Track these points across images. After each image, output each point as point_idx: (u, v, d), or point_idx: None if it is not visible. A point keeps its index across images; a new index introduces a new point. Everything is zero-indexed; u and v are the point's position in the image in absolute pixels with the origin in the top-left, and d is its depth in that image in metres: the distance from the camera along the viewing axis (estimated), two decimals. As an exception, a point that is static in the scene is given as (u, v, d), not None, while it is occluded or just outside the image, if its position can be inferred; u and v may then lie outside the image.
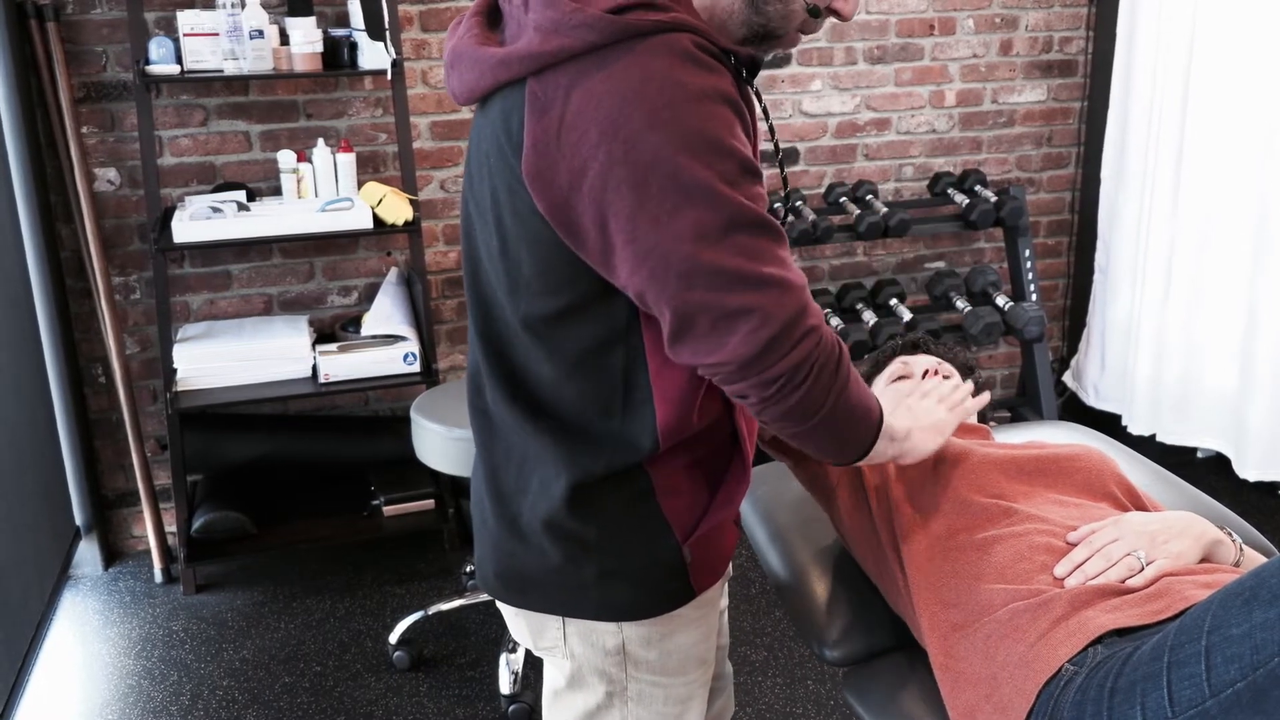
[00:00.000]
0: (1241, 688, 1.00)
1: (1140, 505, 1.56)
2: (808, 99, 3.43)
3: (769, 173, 3.46)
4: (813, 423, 1.14)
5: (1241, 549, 1.43)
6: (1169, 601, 1.23)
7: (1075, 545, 1.37)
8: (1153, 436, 3.36)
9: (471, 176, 1.21)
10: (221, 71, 2.76)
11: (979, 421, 1.86)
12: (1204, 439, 3.28)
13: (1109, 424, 3.48)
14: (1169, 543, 1.35)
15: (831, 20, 1.19)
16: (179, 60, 2.74)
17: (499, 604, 1.36)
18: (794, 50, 3.31)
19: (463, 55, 1.15)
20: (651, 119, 1.02)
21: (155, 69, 2.72)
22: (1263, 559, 1.43)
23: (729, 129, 1.06)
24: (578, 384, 1.18)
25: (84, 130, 2.92)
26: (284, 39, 2.82)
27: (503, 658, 2.50)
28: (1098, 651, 1.18)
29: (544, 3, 1.07)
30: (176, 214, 2.81)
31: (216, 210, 2.78)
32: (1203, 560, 1.37)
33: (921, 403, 1.45)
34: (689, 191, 1.03)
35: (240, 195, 2.94)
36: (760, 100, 1.19)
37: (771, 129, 1.25)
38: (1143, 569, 1.31)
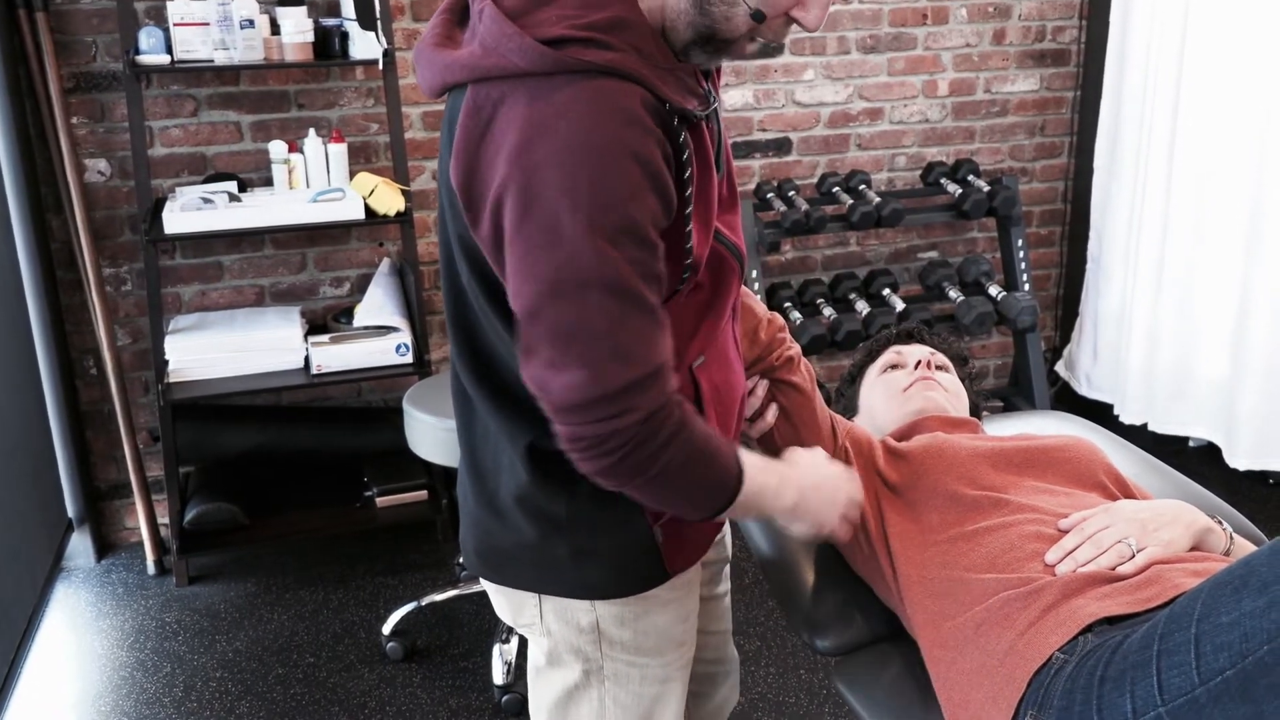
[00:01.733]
0: (1230, 676, 1.00)
1: (1130, 495, 1.56)
2: (800, 88, 3.43)
3: (743, 164, 3.46)
4: (628, 486, 1.15)
5: (1232, 537, 1.43)
6: (1159, 589, 1.23)
7: (1066, 533, 1.37)
8: (1144, 426, 3.37)
9: (442, 165, 1.23)
10: (212, 61, 2.75)
11: (971, 414, 1.87)
12: (1195, 428, 3.29)
13: (1101, 413, 3.49)
14: (1159, 530, 1.35)
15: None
16: (169, 50, 2.73)
17: (481, 581, 1.39)
18: (786, 40, 3.30)
19: (421, 54, 1.19)
20: (554, 158, 1.04)
21: (145, 59, 2.71)
22: (1253, 547, 1.44)
23: (633, 192, 1.05)
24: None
25: (74, 121, 2.91)
26: (275, 28, 2.80)
27: (496, 648, 2.50)
28: (1088, 640, 1.18)
29: (492, 18, 1.09)
30: (167, 205, 2.80)
31: (208, 201, 2.77)
32: (1193, 548, 1.38)
33: (820, 495, 1.38)
34: (561, 238, 1.04)
35: (231, 186, 2.93)
36: (705, 138, 1.17)
37: (719, 158, 1.22)
38: (1133, 556, 1.31)
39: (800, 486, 1.33)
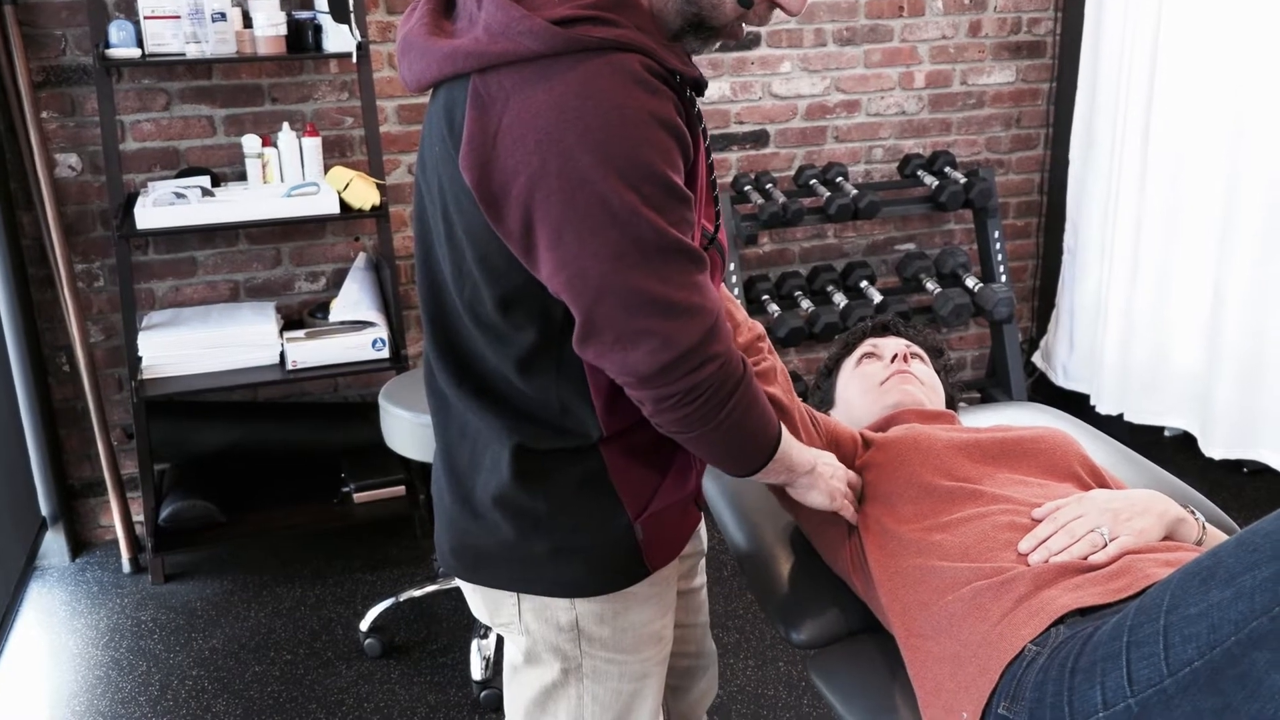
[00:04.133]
0: (1199, 667, 1.00)
1: (1104, 485, 1.57)
2: (777, 81, 3.42)
3: (720, 157, 3.46)
4: (695, 434, 1.19)
5: (1204, 527, 1.44)
6: (1131, 580, 1.23)
7: (1040, 522, 1.37)
8: (1120, 416, 3.39)
9: (424, 163, 1.23)
10: (183, 55, 2.72)
11: (947, 405, 1.87)
12: (1171, 418, 3.30)
13: (1078, 404, 3.51)
14: (1132, 520, 1.36)
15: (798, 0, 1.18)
16: (140, 43, 2.70)
17: (458, 581, 1.38)
18: (763, 31, 3.30)
19: (413, 44, 1.16)
20: (586, 138, 1.04)
21: (115, 52, 2.68)
22: (1225, 537, 1.44)
23: (663, 154, 1.07)
24: (519, 375, 1.20)
25: (44, 115, 2.88)
26: (247, 21, 2.78)
27: (474, 644, 2.50)
28: (1060, 631, 1.18)
29: (496, 4, 1.08)
30: (140, 200, 2.77)
31: (180, 196, 2.74)
32: (1166, 538, 1.38)
33: (829, 465, 1.47)
34: (613, 213, 1.05)
35: (205, 180, 2.91)
36: (701, 120, 1.20)
37: (707, 138, 1.24)
38: (1106, 545, 1.31)
39: (815, 452, 1.42)
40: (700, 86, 1.16)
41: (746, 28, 1.19)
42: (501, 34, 1.06)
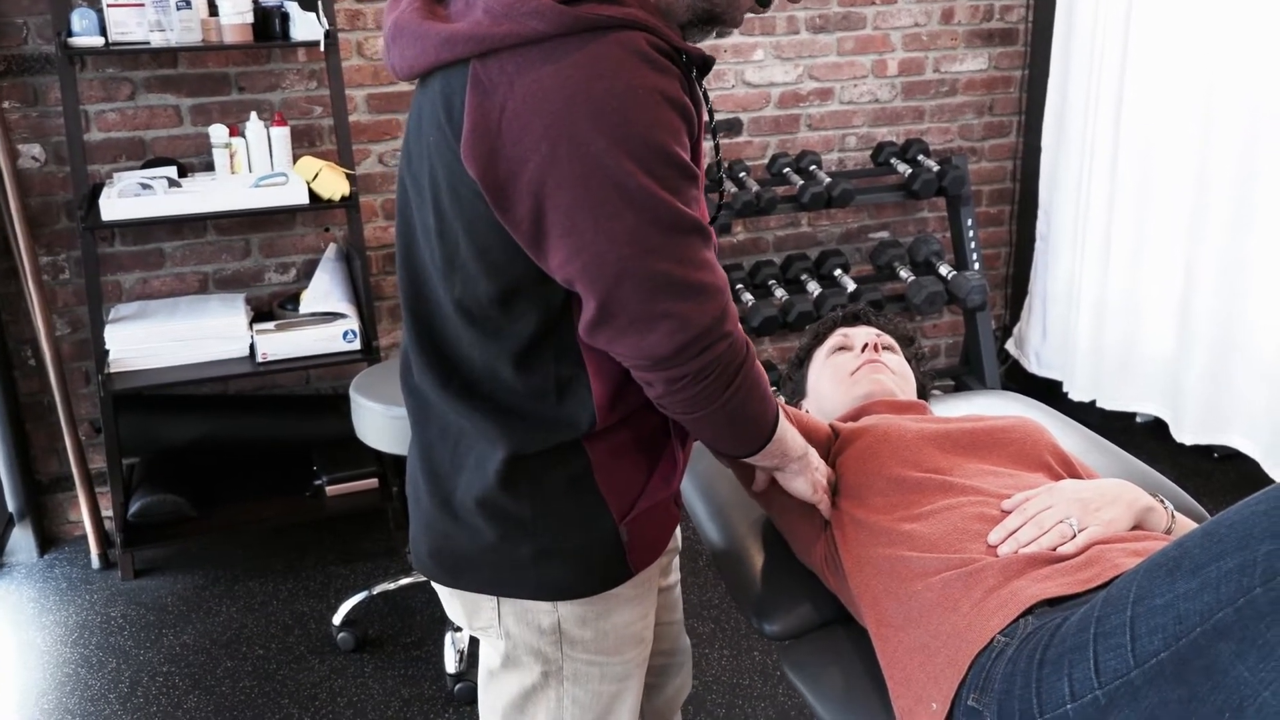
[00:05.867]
0: (1165, 658, 1.00)
1: (1075, 474, 1.57)
2: (750, 69, 3.41)
3: (706, 145, 3.44)
4: (701, 413, 1.19)
5: (1173, 516, 1.44)
6: (1099, 570, 1.23)
7: (1009, 513, 1.37)
8: (1093, 402, 3.40)
9: (410, 154, 1.19)
10: (148, 43, 2.68)
11: (919, 395, 1.87)
12: (1142, 404, 3.32)
13: (1051, 391, 3.52)
14: (1101, 510, 1.36)
15: None
16: (103, 32, 2.66)
17: (434, 584, 1.35)
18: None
19: (405, 29, 1.12)
20: (598, 121, 1.02)
21: (78, 41, 2.63)
22: (1194, 525, 1.45)
23: (674, 134, 1.06)
24: (513, 368, 1.17)
25: (5, 105, 2.83)
26: (213, 9, 2.74)
27: (448, 637, 2.49)
28: (1028, 622, 1.18)
29: None
30: (105, 191, 2.73)
31: (146, 187, 2.71)
32: (1135, 527, 1.38)
33: (815, 454, 1.50)
34: (630, 196, 1.04)
35: (171, 171, 2.87)
36: (707, 99, 1.19)
37: (711, 110, 1.23)
38: (1074, 536, 1.31)
39: (803, 440, 1.42)
40: (707, 65, 1.15)
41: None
42: (505, 16, 1.03)
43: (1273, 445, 2.88)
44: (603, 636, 1.30)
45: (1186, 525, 1.45)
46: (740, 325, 1.17)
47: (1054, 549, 1.30)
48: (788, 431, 1.36)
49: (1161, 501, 1.44)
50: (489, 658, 1.35)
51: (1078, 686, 1.07)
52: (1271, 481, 2.63)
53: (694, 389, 1.14)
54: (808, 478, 1.44)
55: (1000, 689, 1.14)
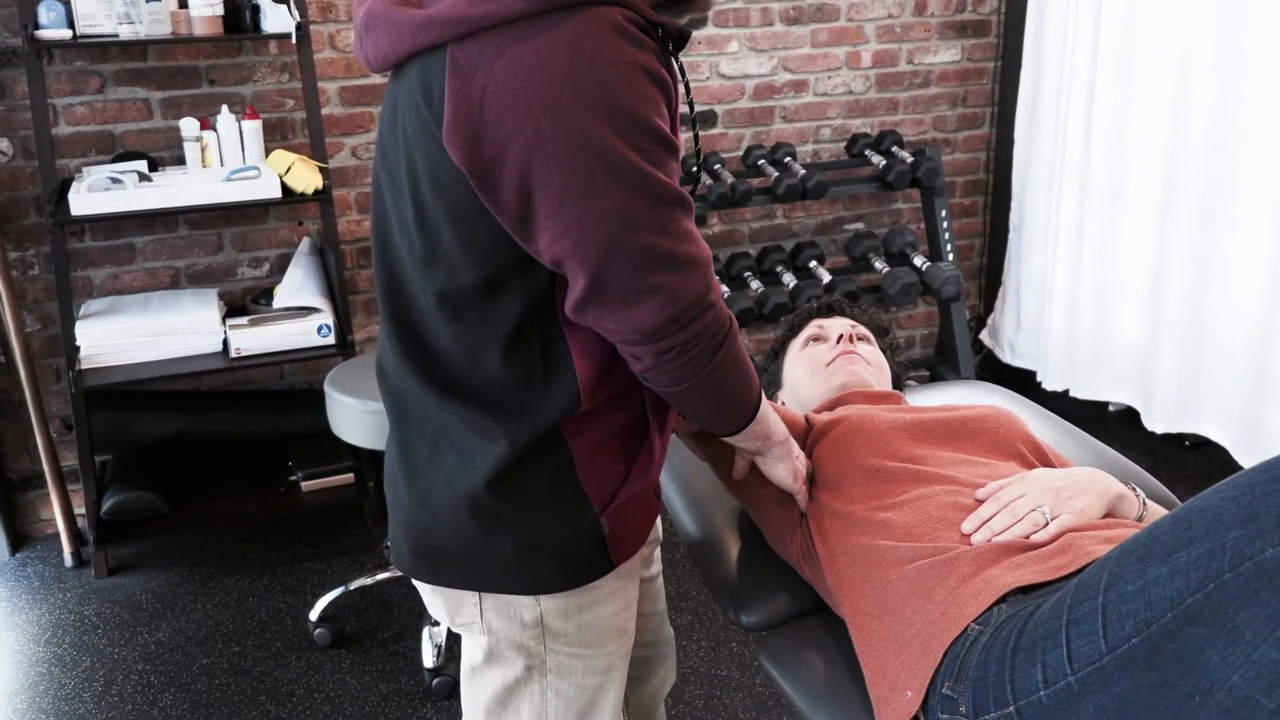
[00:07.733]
0: (1136, 644, 1.01)
1: (1048, 463, 1.58)
2: (725, 61, 3.41)
3: (684, 136, 3.44)
4: (687, 385, 1.19)
5: (1145, 504, 1.45)
6: (1071, 557, 1.24)
7: (983, 502, 1.38)
8: (1066, 392, 3.43)
9: (385, 147, 1.18)
10: (116, 36, 2.65)
11: (894, 385, 1.88)
12: (1115, 393, 3.35)
13: (1025, 381, 3.55)
14: (1073, 498, 1.37)
15: None
16: (71, 24, 2.63)
17: (415, 582, 1.34)
18: (710, 10, 3.28)
19: (378, 19, 1.11)
20: (582, 98, 1.01)
21: (45, 34, 2.61)
22: (1166, 512, 1.46)
23: (654, 107, 1.06)
24: (500, 355, 1.16)
25: (-28, 99, 2.80)
26: (182, 1, 2.71)
27: (425, 631, 2.48)
28: (1002, 610, 1.19)
29: None
30: (74, 185, 2.71)
31: (116, 181, 2.68)
32: (1107, 515, 1.39)
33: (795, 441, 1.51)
34: (616, 171, 1.04)
35: (141, 165, 2.84)
36: (683, 74, 1.19)
37: (690, 99, 1.24)
38: (1047, 524, 1.32)
39: (785, 427, 1.43)
40: (683, 38, 1.15)
41: None
42: None
43: (1242, 433, 2.92)
44: (585, 629, 1.30)
45: (1158, 512, 1.46)
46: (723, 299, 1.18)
47: (1027, 537, 1.31)
48: (770, 413, 1.37)
49: (1133, 489, 1.46)
50: (471, 653, 1.34)
51: (1051, 673, 1.07)
52: (1241, 469, 2.65)
53: (681, 360, 1.14)
54: (789, 464, 1.44)
55: (974, 676, 1.15)
